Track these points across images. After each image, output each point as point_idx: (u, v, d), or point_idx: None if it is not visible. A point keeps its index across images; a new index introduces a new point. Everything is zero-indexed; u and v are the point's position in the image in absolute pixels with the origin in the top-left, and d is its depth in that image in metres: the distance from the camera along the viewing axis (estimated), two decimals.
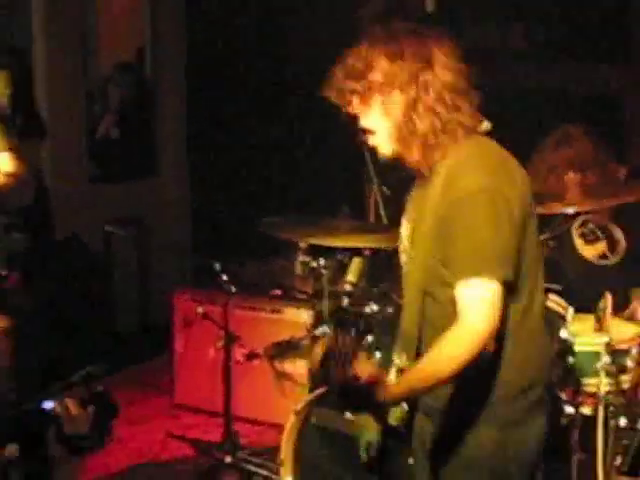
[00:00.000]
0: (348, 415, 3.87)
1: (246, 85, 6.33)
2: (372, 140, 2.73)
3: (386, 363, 3.70)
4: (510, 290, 2.60)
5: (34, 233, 3.82)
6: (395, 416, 2.88)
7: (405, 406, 2.89)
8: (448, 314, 2.60)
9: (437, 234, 2.62)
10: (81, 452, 4.28)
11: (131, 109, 6.80)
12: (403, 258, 2.89)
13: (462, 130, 2.65)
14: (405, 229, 2.87)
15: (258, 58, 6.37)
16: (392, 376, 2.88)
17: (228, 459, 4.48)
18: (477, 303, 2.52)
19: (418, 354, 2.73)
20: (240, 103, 6.30)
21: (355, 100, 2.69)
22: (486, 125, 2.76)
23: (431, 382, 2.61)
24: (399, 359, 2.84)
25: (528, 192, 2.70)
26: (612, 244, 4.31)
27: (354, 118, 2.76)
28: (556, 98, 4.95)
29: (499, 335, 2.58)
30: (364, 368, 2.74)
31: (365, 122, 2.71)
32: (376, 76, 2.66)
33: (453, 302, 2.58)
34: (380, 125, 2.70)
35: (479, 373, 2.60)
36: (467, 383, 2.60)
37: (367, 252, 4.46)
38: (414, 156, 2.68)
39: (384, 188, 4.92)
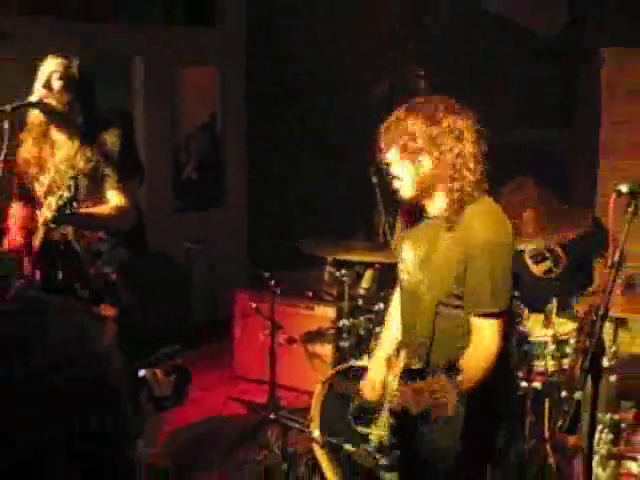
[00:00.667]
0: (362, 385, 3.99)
1: (292, 139, 6.30)
2: (397, 183, 2.73)
3: None
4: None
5: (135, 249, 3.82)
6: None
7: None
8: (454, 326, 2.68)
9: (457, 273, 2.63)
10: (165, 409, 4.43)
11: (206, 158, 6.80)
12: (404, 276, 2.87)
13: (478, 191, 2.67)
14: (409, 254, 2.84)
15: (302, 120, 6.32)
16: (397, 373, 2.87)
17: (272, 416, 4.45)
18: (497, 329, 2.61)
19: (428, 355, 2.75)
20: (288, 154, 6.28)
21: (394, 154, 2.69)
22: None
23: (474, 383, 2.60)
24: (408, 359, 2.83)
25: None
26: (556, 261, 4.39)
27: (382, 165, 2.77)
28: (514, 154, 4.88)
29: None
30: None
31: (396, 170, 2.71)
32: (418, 141, 2.63)
33: (460, 318, 2.66)
34: (408, 176, 2.69)
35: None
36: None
37: (377, 265, 4.52)
38: (432, 202, 2.70)
39: (389, 217, 4.74)
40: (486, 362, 2.62)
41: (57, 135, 3.74)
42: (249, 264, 6.35)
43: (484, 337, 2.62)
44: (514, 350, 3.09)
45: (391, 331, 3.06)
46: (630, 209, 2.43)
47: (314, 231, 5.49)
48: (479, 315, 2.63)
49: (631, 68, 4.94)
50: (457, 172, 2.63)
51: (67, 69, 3.69)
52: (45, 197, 3.65)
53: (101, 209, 3.65)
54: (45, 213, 3.50)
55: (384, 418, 3.04)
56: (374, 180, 4.74)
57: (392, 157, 2.71)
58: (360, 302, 4.53)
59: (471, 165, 2.64)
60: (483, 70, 5.47)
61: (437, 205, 2.72)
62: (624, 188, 2.45)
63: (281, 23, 6.23)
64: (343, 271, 4.69)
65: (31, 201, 3.78)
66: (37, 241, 3.64)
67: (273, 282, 4.53)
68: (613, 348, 4.10)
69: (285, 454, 4.28)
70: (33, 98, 3.73)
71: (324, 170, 5.89)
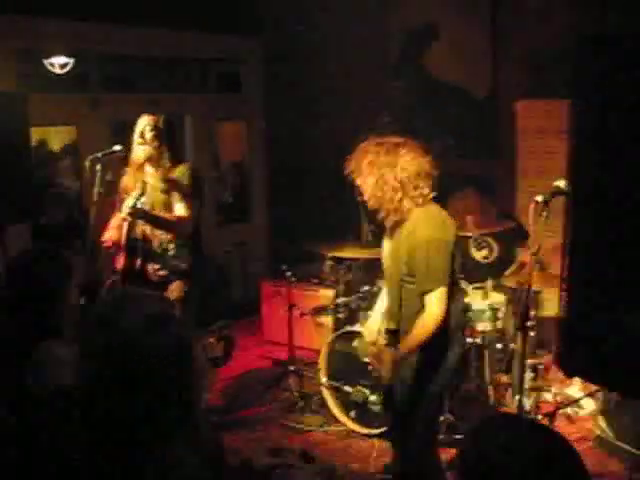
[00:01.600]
0: (355, 343, 3.97)
1: (308, 172, 6.19)
2: (363, 196, 2.69)
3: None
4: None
5: (194, 249, 3.79)
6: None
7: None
8: (413, 297, 2.63)
9: (406, 260, 2.62)
10: (217, 366, 4.41)
11: (246, 186, 6.75)
12: (384, 262, 2.85)
13: (421, 199, 2.62)
14: (385, 249, 2.82)
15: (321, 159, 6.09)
16: (383, 335, 2.88)
17: (292, 368, 4.53)
18: (435, 301, 2.57)
19: (398, 320, 2.74)
20: (303, 183, 6.21)
21: (356, 174, 2.67)
22: (433, 194, 2.68)
23: (419, 342, 2.61)
24: (388, 324, 2.84)
25: (455, 235, 2.66)
26: (491, 250, 4.38)
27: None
28: (458, 176, 4.88)
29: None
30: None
31: (360, 186, 2.69)
32: (365, 164, 2.61)
33: (414, 292, 2.62)
34: (365, 190, 2.66)
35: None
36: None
37: (362, 259, 4.52)
38: (386, 210, 2.65)
39: (371, 225, 4.84)
40: (428, 325, 2.58)
41: (148, 167, 3.74)
42: (271, 261, 6.28)
43: (427, 307, 2.58)
44: (460, 315, 2.89)
45: (381, 302, 3.05)
46: (544, 213, 2.46)
47: (319, 236, 5.47)
48: (421, 293, 2.60)
49: (537, 113, 4.95)
50: (395, 191, 2.57)
51: (155, 123, 3.70)
52: None
53: (167, 215, 3.66)
54: (124, 210, 3.53)
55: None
56: (358, 198, 4.78)
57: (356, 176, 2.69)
58: (350, 285, 4.52)
59: (406, 181, 2.57)
60: (435, 118, 5.43)
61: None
62: (540, 198, 2.47)
63: (294, 86, 6.17)
64: (339, 264, 4.76)
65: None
66: (123, 237, 3.64)
67: (289, 273, 4.53)
68: (533, 312, 4.13)
69: (301, 394, 4.33)
70: (116, 147, 3.75)
71: (327, 194, 5.74)
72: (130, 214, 3.50)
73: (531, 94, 4.93)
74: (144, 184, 3.69)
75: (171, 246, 3.70)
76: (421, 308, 2.61)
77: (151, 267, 3.67)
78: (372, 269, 4.54)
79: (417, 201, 2.61)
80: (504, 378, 4.10)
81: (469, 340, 3.90)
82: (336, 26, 5.94)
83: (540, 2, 4.96)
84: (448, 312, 2.61)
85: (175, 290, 3.66)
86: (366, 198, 2.67)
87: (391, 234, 2.76)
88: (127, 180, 3.77)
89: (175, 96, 5.85)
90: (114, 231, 3.71)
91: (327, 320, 4.84)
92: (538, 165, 4.87)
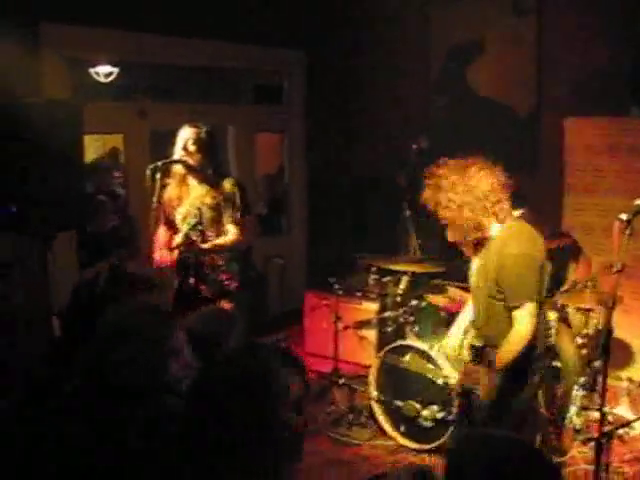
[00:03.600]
0: (407, 358, 3.96)
1: (347, 185, 6.26)
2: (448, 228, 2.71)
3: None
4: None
5: (244, 263, 3.90)
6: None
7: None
8: (501, 313, 2.63)
9: (495, 275, 2.63)
10: None
11: (275, 198, 6.83)
12: (471, 279, 2.85)
13: (502, 214, 2.64)
14: (474, 264, 2.82)
15: (350, 169, 6.27)
16: (466, 349, 2.94)
17: (341, 381, 4.46)
18: (525, 316, 2.56)
19: (486, 336, 2.74)
20: (339, 194, 6.25)
21: (432, 201, 2.70)
22: (519, 212, 2.78)
23: (511, 358, 2.60)
24: (473, 340, 2.87)
25: (544, 252, 2.67)
26: None
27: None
28: None
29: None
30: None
31: (438, 213, 2.70)
32: (439, 191, 2.65)
33: (502, 308, 2.62)
34: (444, 216, 2.69)
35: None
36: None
37: (410, 273, 4.46)
38: (468, 230, 2.66)
39: (419, 240, 4.84)
40: (519, 341, 2.58)
41: (192, 181, 3.81)
42: (308, 273, 6.30)
43: (516, 324, 2.59)
44: (545, 333, 2.84)
45: (462, 318, 3.06)
46: (627, 231, 2.47)
47: (358, 249, 5.46)
48: (510, 308, 2.60)
49: (585, 130, 4.95)
50: (473, 210, 2.60)
51: (198, 135, 3.74)
52: (181, 224, 3.74)
53: (219, 241, 3.71)
54: (178, 238, 3.61)
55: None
56: (407, 213, 4.80)
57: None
58: (398, 299, 4.50)
59: (485, 200, 2.59)
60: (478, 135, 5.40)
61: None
62: (624, 216, 2.48)
63: (334, 96, 6.21)
64: (385, 277, 4.76)
65: (172, 226, 3.85)
66: (175, 256, 3.71)
67: (337, 286, 4.54)
68: (585, 331, 4.10)
69: (350, 407, 4.32)
70: (176, 157, 3.80)
71: (370, 205, 5.86)
72: (186, 248, 3.59)
73: (575, 111, 4.95)
74: (193, 200, 3.75)
75: (221, 262, 3.76)
76: (510, 324, 2.62)
77: (203, 287, 3.75)
78: (420, 283, 4.59)
79: (498, 216, 2.64)
80: (558, 394, 4.06)
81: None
82: (381, 42, 6.03)
83: (587, 21, 5.00)
84: (537, 329, 2.62)
85: (225, 304, 3.73)
86: (446, 222, 2.71)
87: (478, 251, 2.78)
88: (170, 192, 3.82)
89: (218, 106, 5.89)
90: (163, 249, 3.78)
91: (370, 334, 4.84)
92: (585, 182, 4.89)
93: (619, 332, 4.27)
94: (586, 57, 4.96)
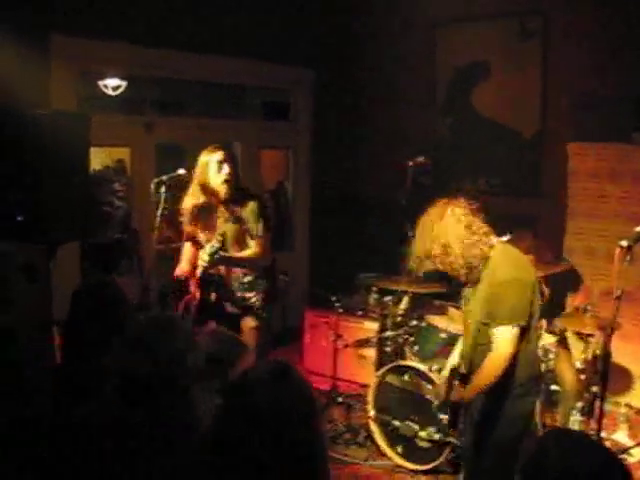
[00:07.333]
0: (405, 378, 3.98)
1: (350, 202, 6.27)
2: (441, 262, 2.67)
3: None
4: (523, 330, 2.55)
5: (270, 280, 3.93)
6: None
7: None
8: (489, 339, 2.59)
9: (486, 302, 2.61)
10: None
11: (283, 214, 6.77)
12: (464, 308, 2.86)
13: (486, 246, 2.62)
14: (467, 295, 2.81)
15: (352, 187, 6.28)
16: (449, 376, 2.88)
17: (340, 399, 4.51)
18: (505, 339, 2.53)
19: (471, 362, 2.73)
20: (343, 213, 6.25)
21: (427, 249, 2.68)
22: (507, 236, 2.77)
23: (485, 384, 2.58)
24: (460, 367, 2.84)
25: (534, 275, 2.65)
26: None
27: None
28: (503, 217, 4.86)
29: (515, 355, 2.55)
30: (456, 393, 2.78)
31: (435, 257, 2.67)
32: (428, 236, 2.65)
33: (489, 336, 2.59)
34: (438, 260, 2.65)
35: (505, 374, 2.56)
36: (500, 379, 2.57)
37: (411, 292, 4.47)
38: (460, 271, 2.64)
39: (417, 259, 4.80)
40: (494, 365, 2.54)
41: (220, 209, 3.81)
42: (309, 290, 6.26)
43: (494, 346, 2.55)
44: (536, 361, 2.82)
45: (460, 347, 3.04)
46: (627, 257, 2.50)
47: (360, 268, 5.56)
48: (492, 327, 2.56)
49: (589, 155, 4.98)
50: (459, 255, 2.59)
51: (231, 159, 3.80)
52: (206, 243, 3.73)
53: (242, 255, 3.75)
54: (203, 257, 3.61)
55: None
56: (410, 233, 4.79)
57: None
58: (398, 319, 4.51)
59: (466, 235, 2.59)
60: (482, 157, 5.45)
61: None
62: (624, 242, 2.51)
63: (340, 114, 6.25)
64: (386, 296, 4.77)
65: (197, 244, 3.89)
66: (198, 272, 3.71)
67: (338, 304, 4.56)
68: (583, 356, 4.10)
69: (347, 426, 4.32)
70: (180, 171, 3.84)
71: (373, 223, 5.88)
72: (208, 263, 3.59)
73: (579, 136, 4.99)
74: (219, 225, 3.76)
75: (246, 279, 3.81)
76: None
77: (227, 304, 3.80)
78: (420, 304, 4.60)
79: (483, 249, 2.62)
80: (556, 418, 4.06)
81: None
82: (388, 62, 6.12)
83: (592, 47, 5.05)
84: (516, 357, 2.56)
85: (250, 320, 3.81)
86: (440, 266, 2.68)
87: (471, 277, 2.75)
88: (188, 202, 3.85)
89: (225, 121, 5.94)
90: (187, 264, 3.85)
91: (370, 353, 4.83)
92: (589, 207, 4.91)
93: (619, 358, 4.30)
94: (591, 83, 5.01)
